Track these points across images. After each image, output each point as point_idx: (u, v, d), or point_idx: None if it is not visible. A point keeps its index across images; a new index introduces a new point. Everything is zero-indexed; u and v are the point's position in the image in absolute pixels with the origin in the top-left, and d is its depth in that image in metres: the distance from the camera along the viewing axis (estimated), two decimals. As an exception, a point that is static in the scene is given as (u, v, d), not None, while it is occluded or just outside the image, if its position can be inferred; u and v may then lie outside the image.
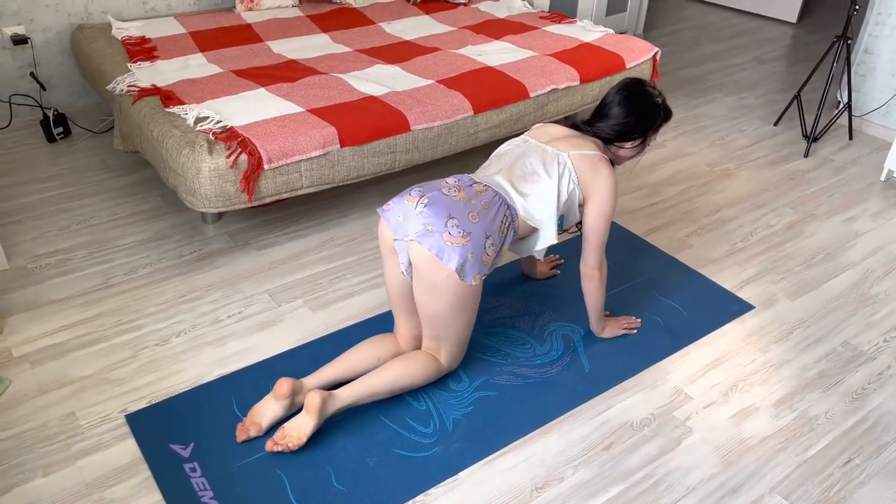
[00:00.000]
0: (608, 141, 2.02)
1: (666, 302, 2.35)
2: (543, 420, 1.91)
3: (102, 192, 2.81)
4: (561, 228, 2.03)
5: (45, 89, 3.18)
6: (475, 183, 1.88)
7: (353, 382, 1.84)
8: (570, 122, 2.12)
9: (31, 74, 3.12)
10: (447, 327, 1.87)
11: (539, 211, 1.90)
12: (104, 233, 2.57)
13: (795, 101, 3.56)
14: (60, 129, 3.11)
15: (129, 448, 1.78)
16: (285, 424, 1.78)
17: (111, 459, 1.75)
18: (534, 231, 1.94)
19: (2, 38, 3.05)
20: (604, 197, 1.93)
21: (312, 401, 1.75)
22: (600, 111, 2.02)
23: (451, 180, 1.89)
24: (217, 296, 2.29)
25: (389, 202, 1.86)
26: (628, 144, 2.01)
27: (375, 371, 1.86)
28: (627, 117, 1.96)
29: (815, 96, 3.98)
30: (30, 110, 3.23)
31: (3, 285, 2.30)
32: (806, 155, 3.35)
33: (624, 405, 1.97)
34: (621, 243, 2.62)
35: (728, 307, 2.35)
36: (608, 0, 4.42)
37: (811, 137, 3.36)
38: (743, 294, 2.41)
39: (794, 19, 5.21)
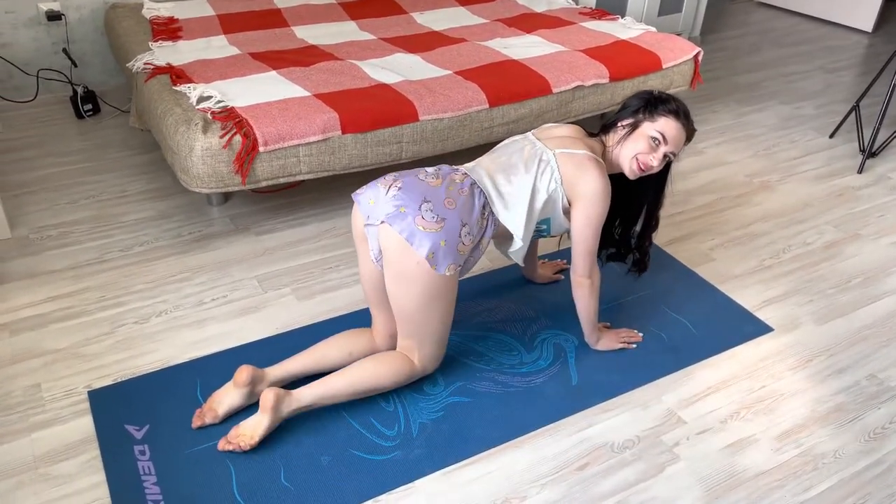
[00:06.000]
0: (605, 129, 1.91)
1: (674, 317, 2.18)
2: (517, 432, 1.78)
3: (118, 168, 2.83)
4: (547, 233, 1.90)
5: (76, 66, 3.23)
6: (455, 172, 1.78)
7: (314, 382, 1.73)
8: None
9: (64, 50, 3.17)
10: (420, 323, 1.75)
11: (512, 207, 1.78)
12: (110, 209, 2.57)
13: (854, 113, 3.29)
14: (90, 106, 3.15)
15: (84, 425, 1.74)
16: (241, 423, 1.69)
17: (65, 435, 1.72)
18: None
19: (37, 14, 3.12)
20: (590, 200, 1.77)
21: (266, 399, 1.66)
22: None
23: (430, 169, 1.79)
24: (205, 278, 2.25)
25: (363, 186, 1.76)
26: (618, 125, 1.88)
27: (339, 371, 1.75)
28: (625, 100, 1.90)
29: (878, 109, 3.67)
30: (62, 86, 3.28)
31: (3, 254, 2.32)
32: (860, 171, 3.08)
33: (608, 424, 1.82)
34: (636, 252, 2.45)
35: (743, 327, 2.15)
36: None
37: (867, 152, 3.09)
38: (763, 315, 2.21)
39: (869, 28, 4.86)
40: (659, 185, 1.97)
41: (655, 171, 1.86)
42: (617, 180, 1.91)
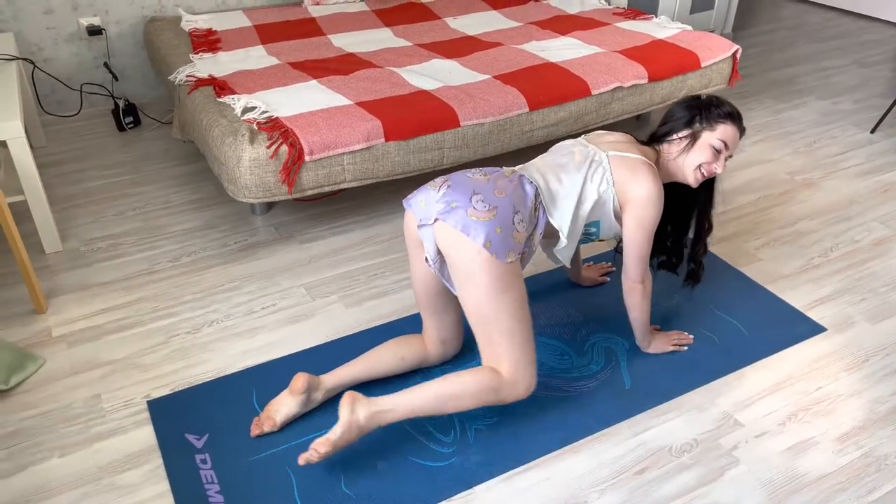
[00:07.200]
0: (659, 140, 1.90)
1: (724, 318, 2.16)
2: (573, 437, 1.78)
3: (161, 180, 2.86)
4: (597, 237, 1.89)
5: (117, 79, 3.28)
6: (503, 169, 1.78)
7: (395, 393, 1.65)
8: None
9: (105, 65, 3.22)
10: (494, 320, 1.65)
11: (560, 205, 1.77)
12: (156, 220, 2.61)
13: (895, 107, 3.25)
14: (131, 119, 3.20)
15: (145, 434, 1.77)
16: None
17: (127, 445, 1.74)
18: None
19: (78, 29, 3.18)
20: (642, 204, 1.77)
21: (343, 399, 1.62)
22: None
23: (477, 169, 1.79)
24: (254, 287, 2.27)
25: (414, 192, 1.77)
26: (674, 136, 1.87)
27: (421, 384, 1.67)
28: (672, 109, 1.89)
29: (921, 102, 3.62)
30: (104, 100, 3.34)
31: (55, 266, 2.36)
32: (904, 165, 3.04)
33: (664, 427, 1.81)
34: (682, 253, 2.43)
35: (795, 328, 2.13)
36: (693, -3, 4.18)
37: (911, 146, 3.04)
38: (814, 315, 2.19)
39: (904, 20, 4.78)
40: (708, 185, 1.96)
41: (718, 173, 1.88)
42: (668, 188, 1.90)
